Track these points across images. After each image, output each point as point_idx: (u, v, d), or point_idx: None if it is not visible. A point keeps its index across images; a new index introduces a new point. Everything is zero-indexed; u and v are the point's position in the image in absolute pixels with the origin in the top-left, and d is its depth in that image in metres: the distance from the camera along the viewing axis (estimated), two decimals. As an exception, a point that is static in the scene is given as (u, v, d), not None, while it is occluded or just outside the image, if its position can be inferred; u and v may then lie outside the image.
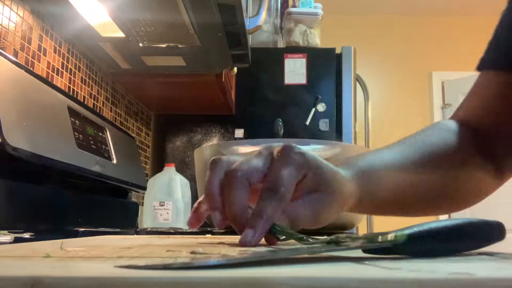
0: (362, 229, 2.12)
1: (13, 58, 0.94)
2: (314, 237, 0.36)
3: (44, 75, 1.13)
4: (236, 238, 0.45)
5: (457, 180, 0.55)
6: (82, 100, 1.33)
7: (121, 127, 1.56)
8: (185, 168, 2.02)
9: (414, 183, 0.52)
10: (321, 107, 2.00)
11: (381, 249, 0.29)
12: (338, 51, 2.10)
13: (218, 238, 0.55)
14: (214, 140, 2.07)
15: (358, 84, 2.18)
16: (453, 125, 0.58)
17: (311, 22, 2.12)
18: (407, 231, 0.29)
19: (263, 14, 1.46)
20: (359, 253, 0.31)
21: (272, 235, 0.38)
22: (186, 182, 1.61)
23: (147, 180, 1.66)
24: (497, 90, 0.57)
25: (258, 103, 2.03)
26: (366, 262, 0.25)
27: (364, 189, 0.46)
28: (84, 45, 1.34)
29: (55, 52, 1.20)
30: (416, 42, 3.97)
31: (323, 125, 1.99)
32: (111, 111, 1.59)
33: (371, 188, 0.47)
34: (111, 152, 1.32)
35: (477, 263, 0.27)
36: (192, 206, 0.47)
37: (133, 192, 1.63)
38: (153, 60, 1.43)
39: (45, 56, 1.15)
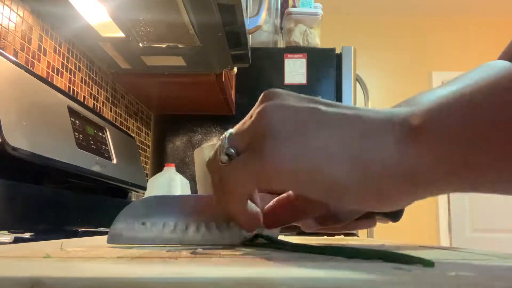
0: (362, 234, 2.11)
1: (13, 58, 0.94)
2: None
3: (44, 75, 1.13)
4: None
5: None
6: (82, 100, 1.33)
7: (121, 127, 1.56)
8: (185, 168, 2.02)
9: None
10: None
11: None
12: (338, 51, 2.10)
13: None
14: (214, 140, 2.07)
15: (358, 84, 2.18)
16: (507, 63, 0.53)
17: (311, 22, 2.12)
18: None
19: (263, 14, 1.46)
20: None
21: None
22: (186, 182, 1.61)
23: (147, 180, 1.66)
24: None
25: (258, 103, 2.03)
26: (367, 262, 0.25)
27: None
28: (84, 45, 1.34)
29: (55, 52, 1.20)
30: (416, 42, 3.97)
31: (323, 125, 1.99)
32: (111, 111, 1.59)
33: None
34: (111, 152, 1.32)
35: (477, 264, 0.27)
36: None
37: (133, 192, 1.63)
38: (153, 60, 1.43)
39: (45, 56, 1.15)
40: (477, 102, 0.29)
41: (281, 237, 0.49)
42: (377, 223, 0.50)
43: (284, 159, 0.29)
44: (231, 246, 0.39)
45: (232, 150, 0.32)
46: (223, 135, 0.34)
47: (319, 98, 0.32)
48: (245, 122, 0.33)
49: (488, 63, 0.51)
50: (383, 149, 0.29)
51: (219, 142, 0.34)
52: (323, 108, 0.30)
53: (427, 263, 0.24)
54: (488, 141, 0.27)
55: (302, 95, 0.32)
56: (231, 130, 0.34)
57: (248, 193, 0.35)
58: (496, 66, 0.47)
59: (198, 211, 0.40)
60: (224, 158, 0.32)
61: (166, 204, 0.40)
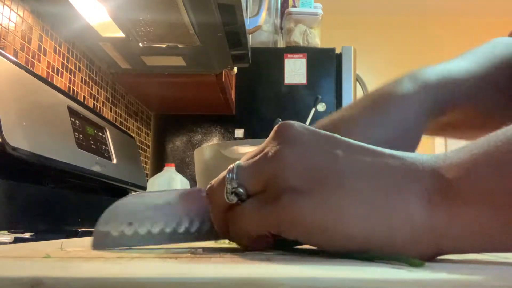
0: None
1: (13, 58, 0.94)
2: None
3: (44, 75, 1.13)
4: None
5: None
6: (82, 100, 1.33)
7: (121, 127, 1.56)
8: (185, 168, 2.03)
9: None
10: (321, 107, 2.00)
11: None
12: (338, 51, 2.10)
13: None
14: (214, 140, 2.07)
15: (358, 84, 2.18)
16: None
17: (311, 22, 2.12)
18: None
19: (263, 14, 1.46)
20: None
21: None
22: (186, 182, 1.61)
23: (147, 180, 1.66)
24: None
25: (258, 103, 2.03)
26: (366, 262, 0.25)
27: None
28: (84, 45, 1.34)
29: (55, 52, 1.20)
30: (416, 42, 3.97)
31: (323, 125, 1.99)
32: (111, 111, 1.59)
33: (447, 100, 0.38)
34: (111, 152, 1.32)
35: (477, 264, 0.27)
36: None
37: (133, 192, 1.63)
38: (153, 60, 1.43)
39: (45, 56, 1.15)
40: None
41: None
42: None
43: (302, 213, 0.27)
44: (231, 246, 0.39)
45: (242, 190, 0.30)
46: (231, 167, 0.31)
47: (336, 137, 0.29)
48: (256, 157, 0.30)
49: (497, 39, 0.49)
50: (407, 206, 0.26)
51: (226, 175, 0.31)
52: (341, 154, 0.28)
53: (416, 264, 0.24)
54: None
55: (318, 131, 0.30)
56: (240, 163, 0.31)
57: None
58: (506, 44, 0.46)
59: (191, 207, 0.37)
60: (233, 198, 0.30)
61: (156, 200, 0.36)
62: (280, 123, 0.31)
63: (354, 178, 0.27)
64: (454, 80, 0.41)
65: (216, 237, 0.37)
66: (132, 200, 0.36)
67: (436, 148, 3.70)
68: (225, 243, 0.42)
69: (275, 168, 0.29)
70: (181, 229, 0.36)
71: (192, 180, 1.74)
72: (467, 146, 0.27)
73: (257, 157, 0.30)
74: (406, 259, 0.24)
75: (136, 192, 0.38)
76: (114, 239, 0.35)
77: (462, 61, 0.44)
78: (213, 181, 0.33)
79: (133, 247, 0.35)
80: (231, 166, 0.31)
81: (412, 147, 0.38)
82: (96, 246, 0.34)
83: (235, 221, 0.31)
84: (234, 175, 0.31)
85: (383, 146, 0.29)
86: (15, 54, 1.02)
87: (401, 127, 0.37)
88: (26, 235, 0.68)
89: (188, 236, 0.36)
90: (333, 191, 0.27)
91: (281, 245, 0.35)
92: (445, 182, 0.26)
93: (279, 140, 0.29)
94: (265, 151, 0.30)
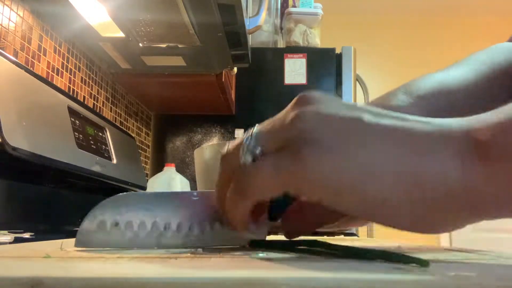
0: (362, 234, 2.11)
1: (13, 58, 0.94)
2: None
3: (44, 75, 1.13)
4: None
5: None
6: (82, 100, 1.33)
7: (121, 127, 1.56)
8: (185, 168, 2.03)
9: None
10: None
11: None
12: (338, 51, 2.10)
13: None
14: (214, 140, 2.07)
15: (358, 84, 2.18)
16: None
17: (311, 22, 2.12)
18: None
19: (263, 14, 1.46)
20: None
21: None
22: (186, 182, 1.61)
23: (147, 180, 1.66)
24: None
25: (258, 103, 2.03)
26: (366, 262, 0.25)
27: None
28: (84, 45, 1.34)
29: (55, 52, 1.20)
30: (417, 42, 3.97)
31: (323, 125, 1.99)
32: (111, 111, 1.59)
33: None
34: (111, 152, 1.32)
35: (478, 264, 0.27)
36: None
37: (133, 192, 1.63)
38: (153, 60, 1.43)
39: (45, 56, 1.15)
40: None
41: (274, 237, 0.48)
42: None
43: (326, 169, 0.26)
44: (231, 246, 0.39)
45: (258, 150, 0.29)
46: (250, 131, 0.30)
47: (360, 105, 0.29)
48: (275, 123, 0.29)
49: (498, 45, 0.49)
50: (442, 166, 0.25)
51: (244, 138, 0.30)
52: (367, 118, 0.27)
53: (423, 263, 0.24)
54: None
55: (342, 101, 0.29)
56: (258, 127, 0.30)
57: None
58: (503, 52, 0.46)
59: (180, 210, 0.35)
60: (249, 157, 0.29)
61: (144, 201, 0.35)
62: (300, 93, 0.30)
63: (381, 138, 0.26)
64: (448, 90, 0.41)
65: (203, 244, 0.35)
66: (120, 199, 0.35)
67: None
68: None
69: (298, 126, 0.27)
70: (168, 234, 0.34)
71: (192, 180, 1.74)
72: (497, 110, 0.27)
73: (278, 120, 0.29)
74: (414, 259, 0.24)
75: (127, 192, 0.37)
76: (98, 239, 0.34)
77: (460, 68, 0.45)
78: (229, 145, 0.32)
79: (117, 248, 0.34)
80: (250, 129, 0.30)
81: None
82: (80, 244, 0.33)
83: (247, 181, 0.29)
84: (253, 136, 0.29)
85: None
86: (15, 54, 1.02)
87: None
88: (26, 235, 0.68)
89: (175, 241, 0.35)
90: (360, 149, 0.26)
91: (282, 246, 0.34)
92: (479, 142, 0.25)
93: (301, 104, 0.28)
94: (286, 116, 0.29)
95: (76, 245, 0.33)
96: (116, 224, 0.34)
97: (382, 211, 0.26)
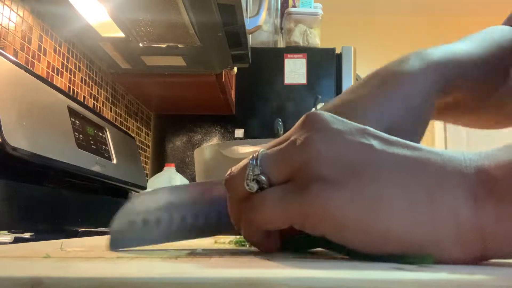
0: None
1: (13, 58, 0.94)
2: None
3: (44, 75, 1.13)
4: (228, 238, 0.45)
5: None
6: (82, 100, 1.33)
7: (121, 127, 1.56)
8: (185, 168, 2.03)
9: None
10: (321, 107, 2.01)
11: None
12: (338, 51, 2.10)
13: (214, 238, 0.55)
14: (214, 140, 2.07)
15: (358, 84, 2.18)
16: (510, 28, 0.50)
17: (311, 22, 2.12)
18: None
19: (263, 14, 1.46)
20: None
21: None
22: (186, 182, 1.61)
23: (147, 180, 1.66)
24: None
25: (258, 103, 2.04)
26: (367, 262, 0.25)
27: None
28: (84, 45, 1.34)
29: (55, 52, 1.20)
30: (417, 42, 3.97)
31: (323, 125, 1.99)
32: (111, 111, 1.59)
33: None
34: (111, 152, 1.32)
35: (477, 263, 0.27)
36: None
37: (133, 192, 1.63)
38: (153, 60, 1.43)
39: (45, 56, 1.15)
40: None
41: None
42: None
43: (334, 205, 0.25)
44: (231, 246, 0.39)
45: (264, 178, 0.28)
46: (255, 154, 0.29)
47: (369, 129, 0.28)
48: (281, 149, 0.28)
49: (494, 27, 0.50)
50: (454, 204, 0.24)
51: (248, 162, 0.29)
52: (377, 146, 0.26)
53: (426, 259, 0.24)
54: None
55: (350, 123, 0.28)
56: (264, 150, 0.29)
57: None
58: (501, 32, 0.46)
59: (207, 200, 0.34)
60: (254, 186, 0.28)
61: (170, 197, 0.34)
62: (308, 113, 0.29)
63: (392, 170, 0.26)
64: (458, 60, 0.40)
65: (234, 230, 0.34)
66: (145, 197, 0.35)
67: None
68: (225, 244, 0.42)
69: (305, 156, 0.27)
70: (199, 223, 0.34)
71: (192, 180, 1.74)
72: (509, 145, 0.26)
73: (284, 144, 0.28)
74: (416, 256, 0.24)
75: (150, 189, 0.37)
76: (130, 239, 0.34)
77: (464, 43, 0.44)
78: (233, 168, 0.31)
79: (151, 245, 0.34)
80: (255, 153, 0.29)
81: (422, 126, 0.37)
82: (114, 246, 0.33)
83: (252, 211, 0.28)
84: (258, 161, 0.28)
85: (395, 125, 0.28)
86: (15, 54, 1.02)
87: (411, 105, 0.36)
88: (26, 235, 0.68)
89: (207, 230, 0.34)
90: (369, 183, 0.25)
91: (290, 247, 0.34)
92: (492, 180, 0.25)
93: (308, 128, 0.27)
94: (292, 139, 0.28)
95: (110, 248, 0.33)
96: (145, 221, 0.34)
97: (388, 249, 0.25)
